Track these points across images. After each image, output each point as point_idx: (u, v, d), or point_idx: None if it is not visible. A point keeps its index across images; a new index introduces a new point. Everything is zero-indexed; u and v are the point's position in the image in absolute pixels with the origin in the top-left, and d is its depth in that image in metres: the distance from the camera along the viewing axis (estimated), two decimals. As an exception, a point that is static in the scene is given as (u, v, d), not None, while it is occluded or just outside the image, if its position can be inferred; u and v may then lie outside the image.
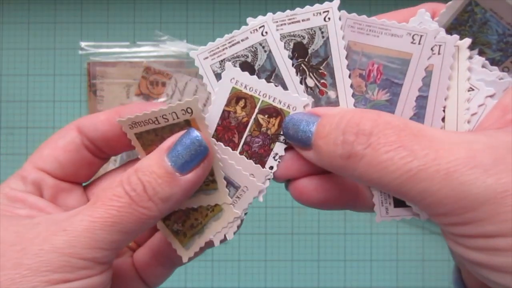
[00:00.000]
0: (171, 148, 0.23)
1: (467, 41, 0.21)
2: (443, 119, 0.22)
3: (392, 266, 0.67)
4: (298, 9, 0.23)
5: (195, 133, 0.23)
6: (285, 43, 0.23)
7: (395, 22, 0.22)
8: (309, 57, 0.23)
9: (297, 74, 0.24)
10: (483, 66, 0.21)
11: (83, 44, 0.66)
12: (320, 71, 0.23)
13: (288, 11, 0.23)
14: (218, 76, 0.24)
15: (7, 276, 0.21)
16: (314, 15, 0.23)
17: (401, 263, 0.66)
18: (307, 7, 0.23)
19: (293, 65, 0.24)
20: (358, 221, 0.67)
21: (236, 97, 0.25)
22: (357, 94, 0.23)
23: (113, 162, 0.62)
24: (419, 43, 0.21)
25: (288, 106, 0.24)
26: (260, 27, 0.24)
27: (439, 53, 0.21)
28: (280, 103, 0.24)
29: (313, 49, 0.23)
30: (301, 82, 0.24)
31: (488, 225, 0.17)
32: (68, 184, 0.26)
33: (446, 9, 0.22)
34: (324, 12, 0.23)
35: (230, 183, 0.25)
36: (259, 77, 0.24)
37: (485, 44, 0.21)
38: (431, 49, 0.21)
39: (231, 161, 0.25)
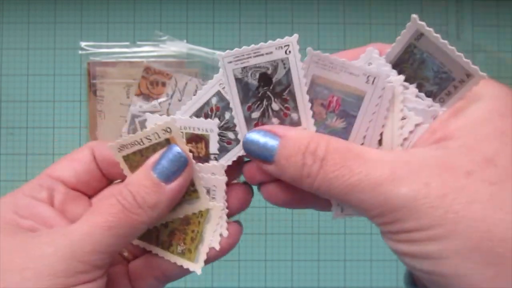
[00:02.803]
0: (156, 163, 0.26)
1: (401, 78, 0.26)
2: (380, 142, 0.26)
3: (392, 266, 0.67)
4: (262, 44, 0.26)
5: (176, 148, 0.26)
6: (251, 74, 0.27)
7: (354, 63, 0.26)
8: (273, 85, 0.27)
9: (263, 101, 0.27)
10: (416, 96, 0.26)
11: (83, 44, 0.66)
12: (283, 97, 0.27)
13: (253, 45, 0.26)
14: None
15: (12, 279, 0.22)
16: (276, 48, 0.26)
17: (401, 263, 0.66)
18: (270, 41, 0.26)
19: (259, 93, 0.27)
20: (358, 221, 0.67)
21: None
22: (318, 121, 0.27)
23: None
24: (372, 83, 0.25)
25: (206, 130, 0.28)
26: (285, 46, 0.26)
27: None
28: (199, 130, 0.28)
29: (277, 78, 0.26)
30: (267, 107, 0.27)
31: (405, 223, 0.22)
32: (77, 193, 0.29)
33: (391, 49, 0.26)
34: (285, 46, 0.26)
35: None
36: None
37: (424, 78, 0.25)
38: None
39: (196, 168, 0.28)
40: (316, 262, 0.66)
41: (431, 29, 0.24)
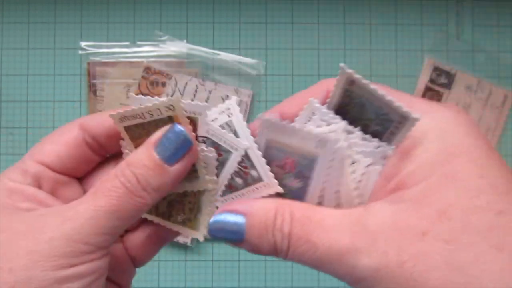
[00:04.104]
0: (158, 142, 0.26)
1: (344, 144, 0.26)
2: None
3: (392, 266, 0.67)
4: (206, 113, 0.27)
5: (179, 128, 0.26)
6: (204, 141, 0.28)
7: (303, 128, 0.26)
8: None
9: (219, 166, 0.28)
10: (363, 139, 0.26)
11: (83, 44, 0.66)
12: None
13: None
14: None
15: (21, 262, 0.23)
16: (219, 113, 0.27)
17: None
18: (213, 109, 0.28)
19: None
20: (358, 221, 0.67)
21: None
22: (276, 179, 0.27)
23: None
24: (322, 147, 0.25)
25: (194, 113, 0.27)
26: (227, 109, 0.27)
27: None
28: (189, 112, 0.27)
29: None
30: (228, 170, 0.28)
31: None
32: (66, 177, 0.28)
33: (330, 97, 0.26)
34: (226, 109, 0.27)
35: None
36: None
37: (368, 119, 0.25)
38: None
39: None
40: (316, 262, 0.66)
41: (359, 76, 0.24)
